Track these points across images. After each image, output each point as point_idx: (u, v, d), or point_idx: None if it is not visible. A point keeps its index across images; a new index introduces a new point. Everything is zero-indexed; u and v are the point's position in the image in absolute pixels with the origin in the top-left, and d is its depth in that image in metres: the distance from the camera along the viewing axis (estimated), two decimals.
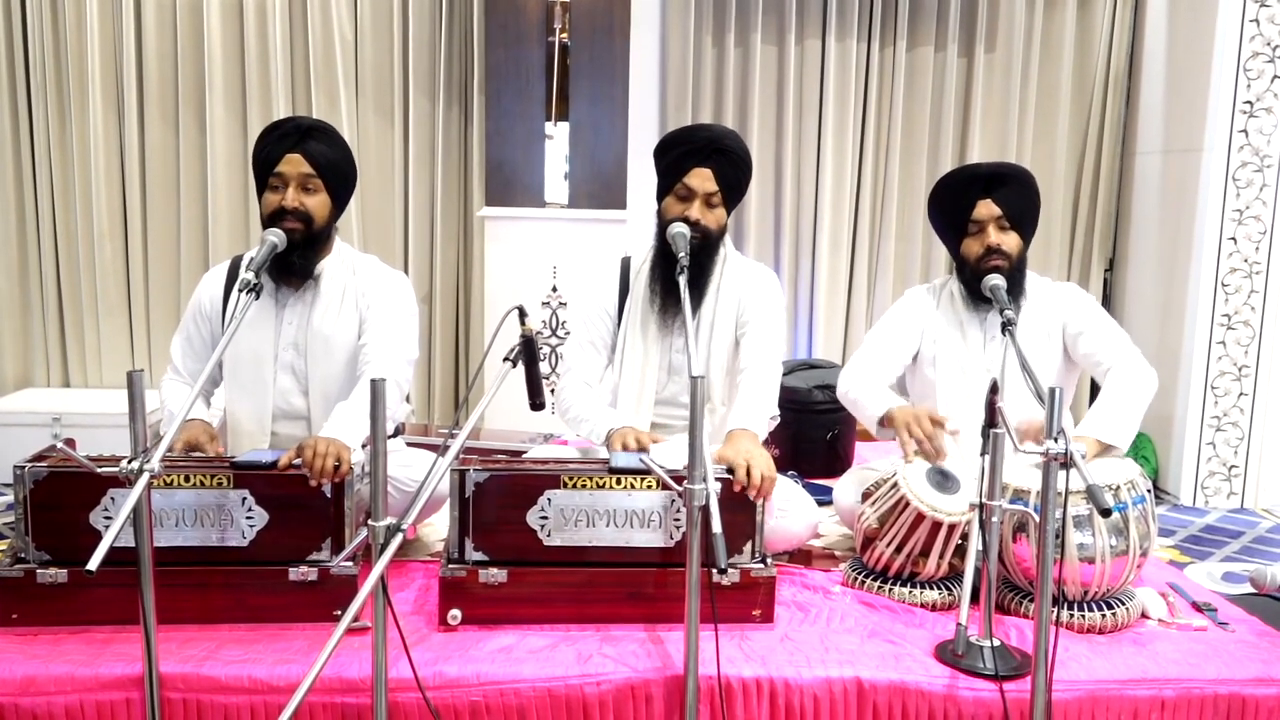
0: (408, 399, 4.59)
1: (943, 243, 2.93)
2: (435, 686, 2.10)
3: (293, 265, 2.59)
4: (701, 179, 2.68)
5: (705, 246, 2.71)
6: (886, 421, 2.68)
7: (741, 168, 2.75)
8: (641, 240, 2.92)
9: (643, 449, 2.53)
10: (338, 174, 2.62)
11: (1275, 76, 4.05)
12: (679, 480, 2.05)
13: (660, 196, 2.77)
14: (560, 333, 4.30)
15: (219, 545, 2.31)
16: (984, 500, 2.19)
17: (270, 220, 2.55)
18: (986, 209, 2.74)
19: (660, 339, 2.82)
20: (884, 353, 2.88)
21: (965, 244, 2.79)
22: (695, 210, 2.67)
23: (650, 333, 2.81)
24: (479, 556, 2.36)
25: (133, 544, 1.94)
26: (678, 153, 2.71)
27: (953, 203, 2.81)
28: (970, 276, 2.79)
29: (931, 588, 2.57)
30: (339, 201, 2.66)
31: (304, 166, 2.55)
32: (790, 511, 2.72)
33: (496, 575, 2.34)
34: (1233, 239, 4.13)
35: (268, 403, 2.66)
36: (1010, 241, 2.74)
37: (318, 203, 2.59)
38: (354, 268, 2.72)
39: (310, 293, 2.66)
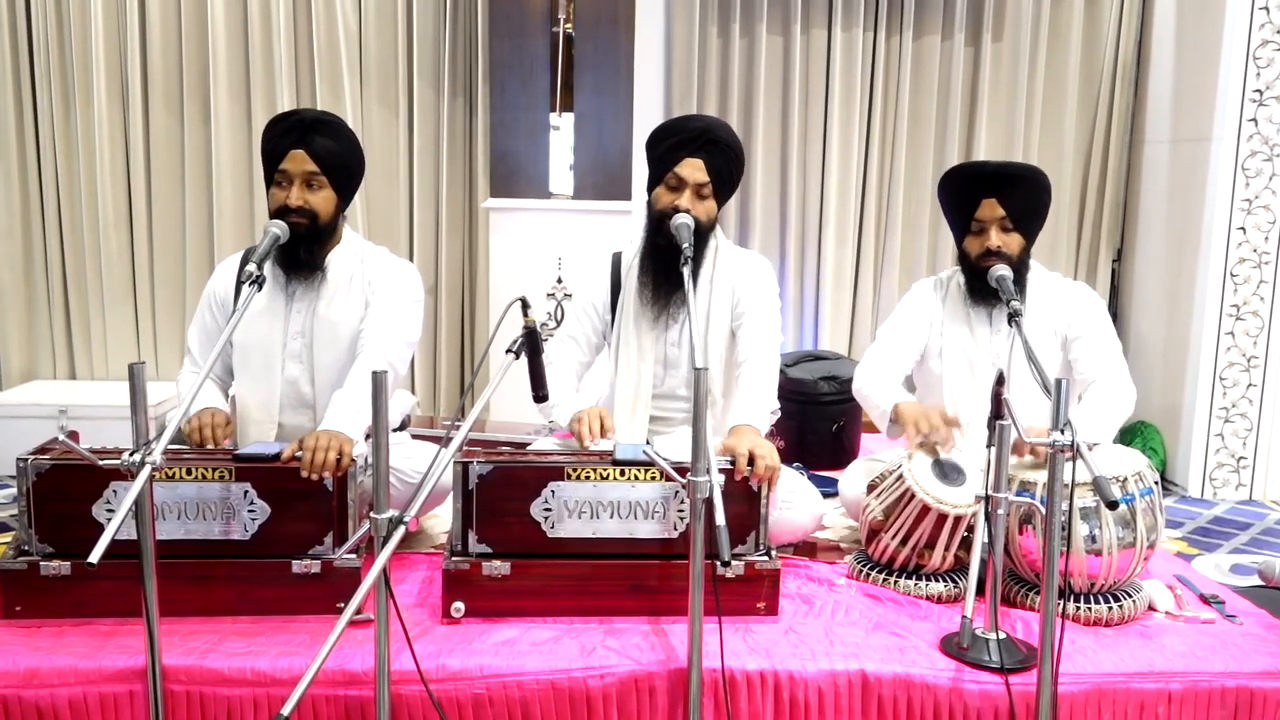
0: (412, 391, 4.61)
1: (950, 230, 2.91)
2: (438, 679, 2.10)
3: (299, 259, 2.60)
4: (692, 169, 2.67)
5: (696, 238, 2.69)
6: (895, 416, 2.67)
7: (732, 159, 2.73)
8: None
9: (605, 430, 2.54)
10: (342, 169, 2.61)
11: None
12: (682, 472, 2.04)
13: (651, 186, 2.76)
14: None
15: (222, 538, 2.32)
16: (990, 492, 2.18)
17: (276, 215, 2.56)
18: (990, 209, 2.71)
19: (654, 333, 2.80)
20: (896, 348, 2.87)
21: (967, 240, 2.78)
22: (685, 200, 2.66)
23: (644, 328, 2.80)
24: (482, 549, 2.36)
25: (135, 536, 1.95)
26: (669, 143, 2.70)
27: (957, 198, 2.79)
28: (970, 273, 2.78)
29: (937, 580, 2.56)
30: (345, 195, 2.66)
31: (308, 164, 2.54)
32: (795, 504, 2.71)
33: (500, 567, 2.34)
34: (1242, 229, 4.10)
35: (275, 391, 2.66)
36: (1012, 243, 2.72)
37: (322, 199, 2.58)
38: (362, 256, 2.73)
39: (319, 282, 2.66)
